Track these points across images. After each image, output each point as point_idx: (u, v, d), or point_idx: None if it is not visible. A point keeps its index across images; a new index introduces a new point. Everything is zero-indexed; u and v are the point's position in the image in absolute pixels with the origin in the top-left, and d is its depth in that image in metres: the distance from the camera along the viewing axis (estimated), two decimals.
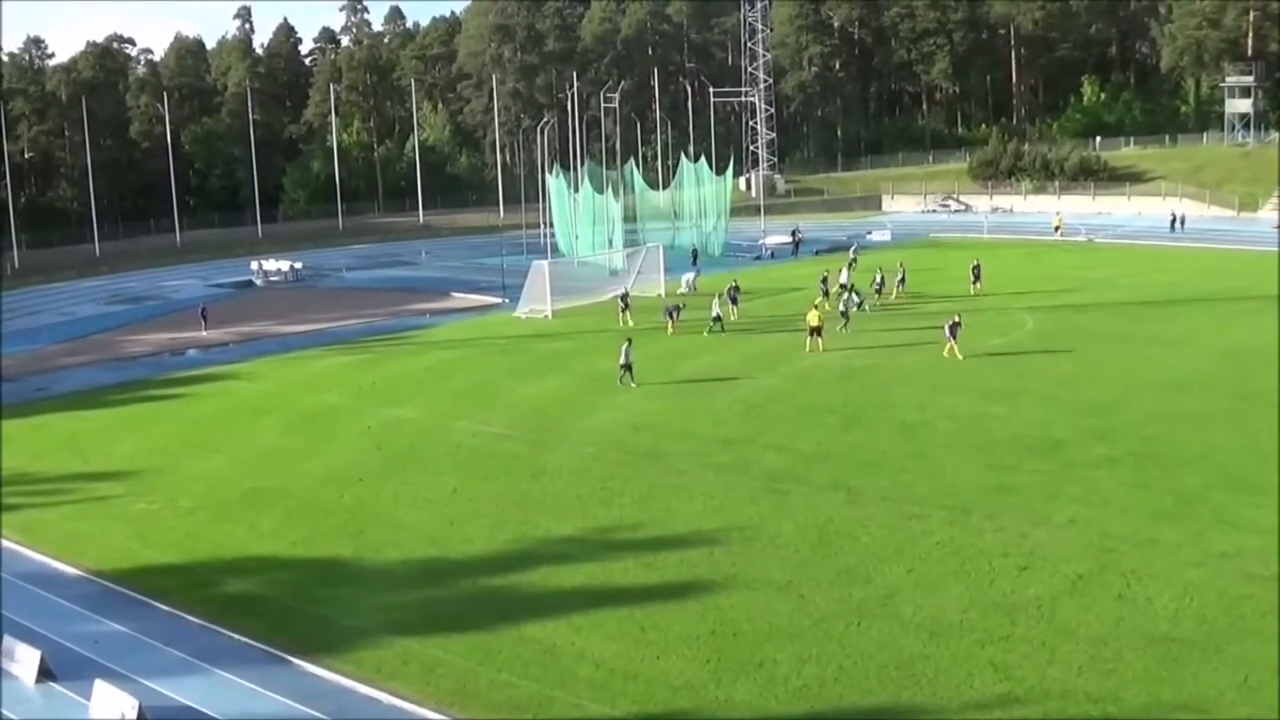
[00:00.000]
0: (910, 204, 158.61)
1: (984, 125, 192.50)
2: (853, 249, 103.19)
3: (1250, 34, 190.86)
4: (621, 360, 64.56)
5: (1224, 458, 52.71)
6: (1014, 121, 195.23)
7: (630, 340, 66.11)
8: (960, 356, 69.31)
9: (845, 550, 42.68)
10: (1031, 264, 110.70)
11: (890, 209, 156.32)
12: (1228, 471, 50.77)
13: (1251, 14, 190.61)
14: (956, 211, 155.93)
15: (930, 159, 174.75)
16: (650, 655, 35.01)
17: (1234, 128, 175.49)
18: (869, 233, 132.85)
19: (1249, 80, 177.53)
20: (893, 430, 57.20)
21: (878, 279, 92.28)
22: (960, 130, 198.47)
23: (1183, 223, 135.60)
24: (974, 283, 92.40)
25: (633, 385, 64.14)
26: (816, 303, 78.76)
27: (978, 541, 43.36)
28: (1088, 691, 32.86)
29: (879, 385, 65.62)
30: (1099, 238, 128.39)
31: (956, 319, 70.80)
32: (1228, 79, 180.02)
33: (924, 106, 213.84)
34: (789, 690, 33.01)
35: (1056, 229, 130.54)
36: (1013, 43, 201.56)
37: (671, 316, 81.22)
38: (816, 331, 73.35)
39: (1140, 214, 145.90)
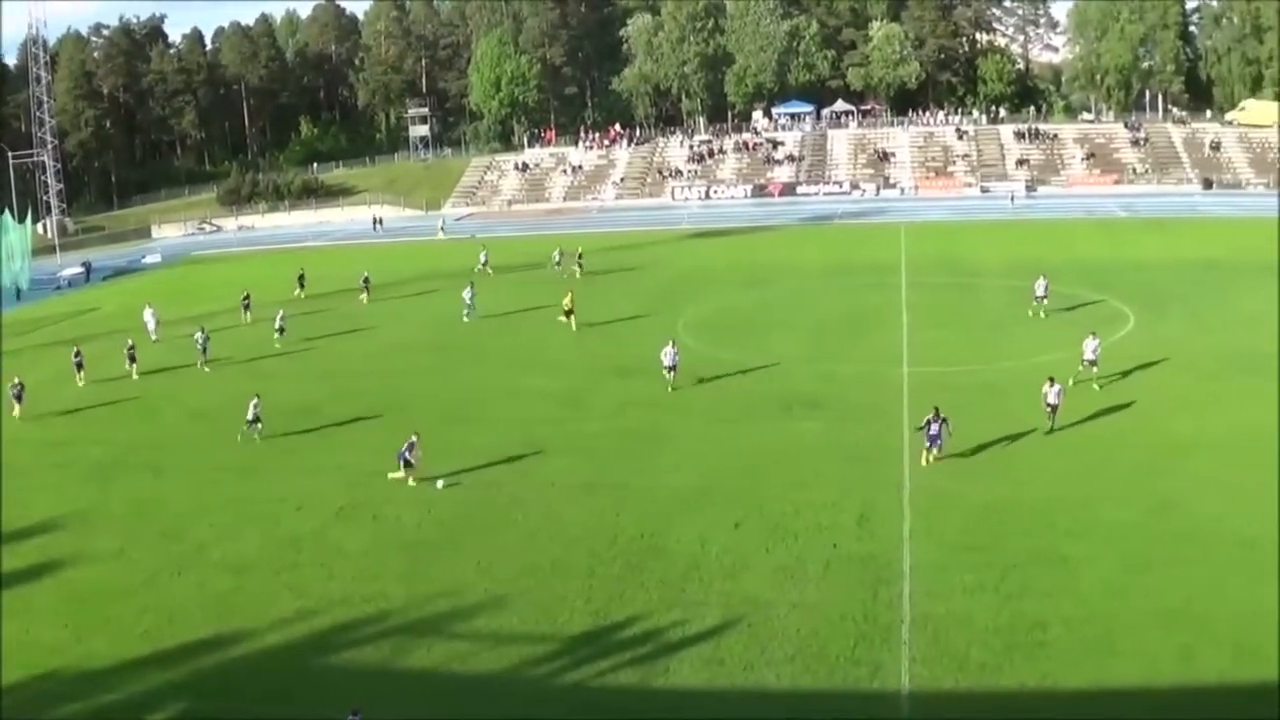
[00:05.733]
0: (175, 230, 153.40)
1: (227, 161, 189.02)
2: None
3: (423, 76, 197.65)
4: (249, 415, 50.41)
5: (440, 399, 55.14)
6: (250, 156, 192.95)
7: (258, 397, 51.31)
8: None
9: (159, 516, 41.47)
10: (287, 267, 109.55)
11: (159, 236, 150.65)
12: (444, 408, 53.17)
13: (423, 60, 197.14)
14: (212, 232, 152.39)
15: (187, 192, 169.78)
16: (21, 628, 32.93)
17: (417, 148, 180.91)
18: (144, 257, 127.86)
19: (425, 111, 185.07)
20: (185, 417, 55.34)
21: (557, 256, 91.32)
22: (209, 166, 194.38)
23: (382, 223, 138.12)
24: (363, 292, 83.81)
25: (255, 440, 50.18)
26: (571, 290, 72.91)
27: (263, 492, 43.30)
28: (363, 595, 33.71)
29: (173, 384, 62.16)
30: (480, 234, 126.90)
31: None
32: (410, 111, 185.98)
33: (179, 150, 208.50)
34: (135, 637, 32.09)
35: (441, 229, 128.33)
36: (244, 95, 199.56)
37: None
38: (569, 314, 68.95)
39: (352, 221, 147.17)
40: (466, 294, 74.91)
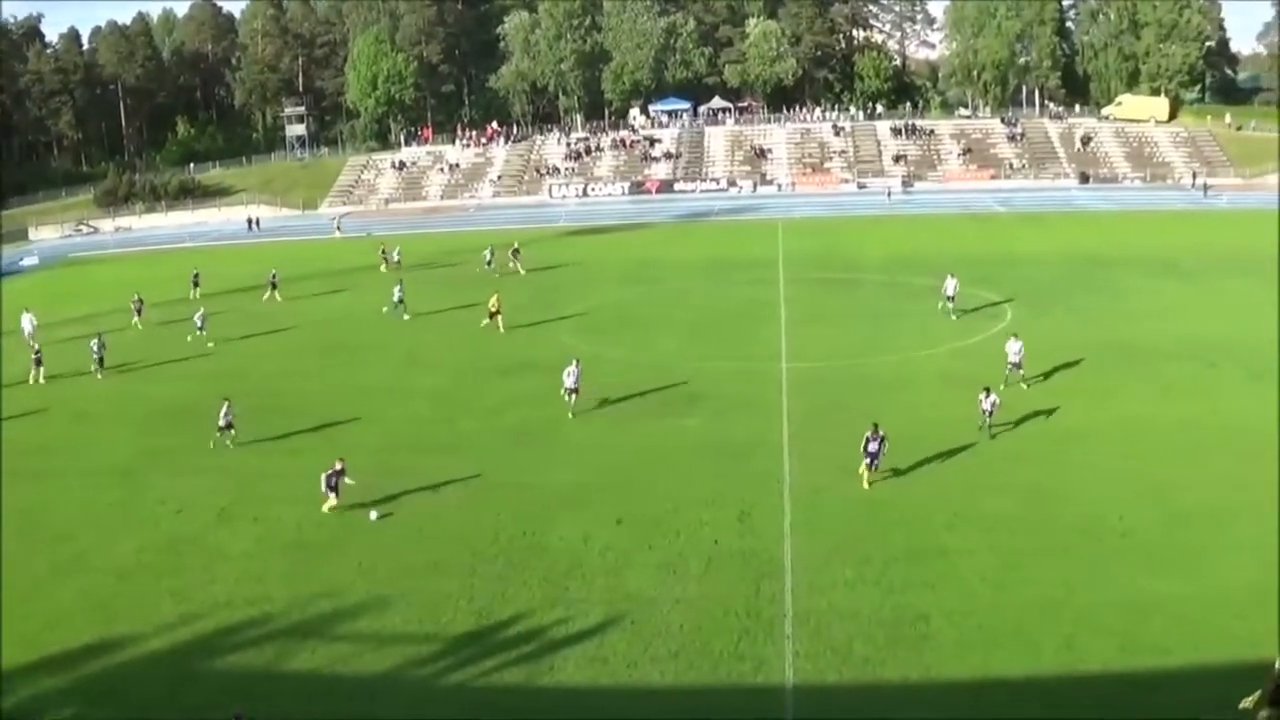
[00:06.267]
0: (52, 232, 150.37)
1: (104, 162, 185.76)
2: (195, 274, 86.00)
3: (300, 75, 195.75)
4: (221, 422, 47.91)
5: (326, 398, 54.24)
6: (127, 157, 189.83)
7: (228, 401, 48.55)
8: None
9: (46, 522, 40.24)
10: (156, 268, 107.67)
11: (36, 238, 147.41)
12: (329, 408, 52.14)
13: (300, 59, 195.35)
14: (89, 234, 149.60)
15: (64, 193, 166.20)
16: None
17: (294, 147, 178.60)
18: (21, 260, 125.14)
19: (302, 110, 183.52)
20: (67, 419, 53.87)
21: (488, 255, 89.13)
22: (86, 168, 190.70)
23: (259, 223, 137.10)
24: (270, 291, 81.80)
25: (229, 445, 47.71)
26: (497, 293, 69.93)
27: (141, 495, 42.38)
28: (245, 597, 33.21)
29: (55, 388, 59.56)
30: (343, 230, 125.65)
31: None
32: (287, 110, 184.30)
33: (55, 151, 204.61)
34: (22, 643, 30.97)
35: (338, 228, 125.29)
36: (121, 95, 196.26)
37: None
38: (494, 315, 67.19)
39: (229, 221, 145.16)
40: (397, 291, 73.98)
